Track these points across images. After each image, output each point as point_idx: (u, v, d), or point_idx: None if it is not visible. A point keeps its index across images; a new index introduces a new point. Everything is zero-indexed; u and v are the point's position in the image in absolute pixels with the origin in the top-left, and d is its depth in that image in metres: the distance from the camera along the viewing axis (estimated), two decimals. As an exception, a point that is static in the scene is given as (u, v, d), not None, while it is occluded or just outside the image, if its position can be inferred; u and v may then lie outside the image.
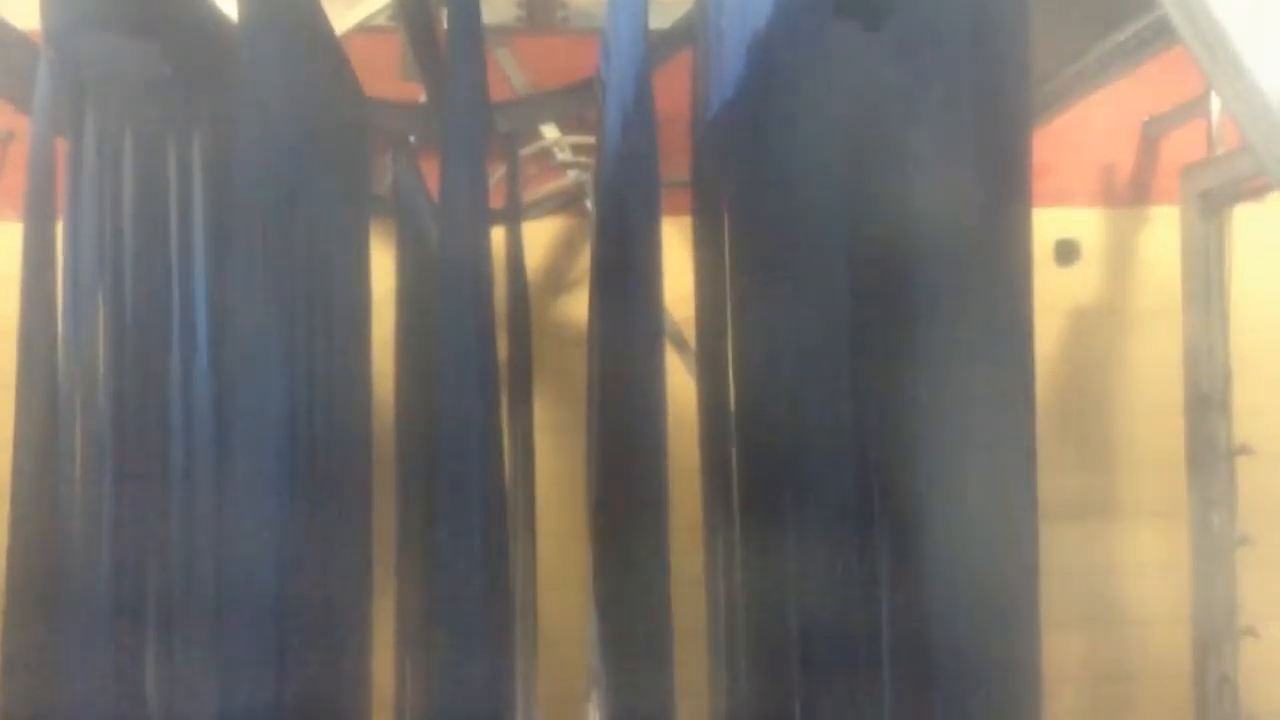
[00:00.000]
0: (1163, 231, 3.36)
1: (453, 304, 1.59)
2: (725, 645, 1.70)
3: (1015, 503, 1.41)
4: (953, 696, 1.37)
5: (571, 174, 3.41)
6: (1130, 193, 3.51)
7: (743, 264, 1.69)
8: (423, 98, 2.89)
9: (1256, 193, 3.00)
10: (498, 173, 2.85)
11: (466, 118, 1.63)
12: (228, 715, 1.64)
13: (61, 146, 1.82)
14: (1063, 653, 3.21)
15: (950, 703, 1.37)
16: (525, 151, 3.17)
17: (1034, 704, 1.40)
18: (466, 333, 1.59)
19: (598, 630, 1.83)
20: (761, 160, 1.58)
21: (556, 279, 3.47)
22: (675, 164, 2.00)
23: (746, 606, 1.63)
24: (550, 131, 3.30)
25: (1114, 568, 3.33)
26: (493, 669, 1.62)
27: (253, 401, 1.65)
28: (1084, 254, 3.48)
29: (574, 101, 2.85)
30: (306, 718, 1.81)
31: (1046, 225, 3.42)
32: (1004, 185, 1.42)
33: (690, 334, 1.99)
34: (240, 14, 1.64)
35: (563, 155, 3.36)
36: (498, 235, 2.17)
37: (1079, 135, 3.34)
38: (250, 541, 1.65)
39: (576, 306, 3.35)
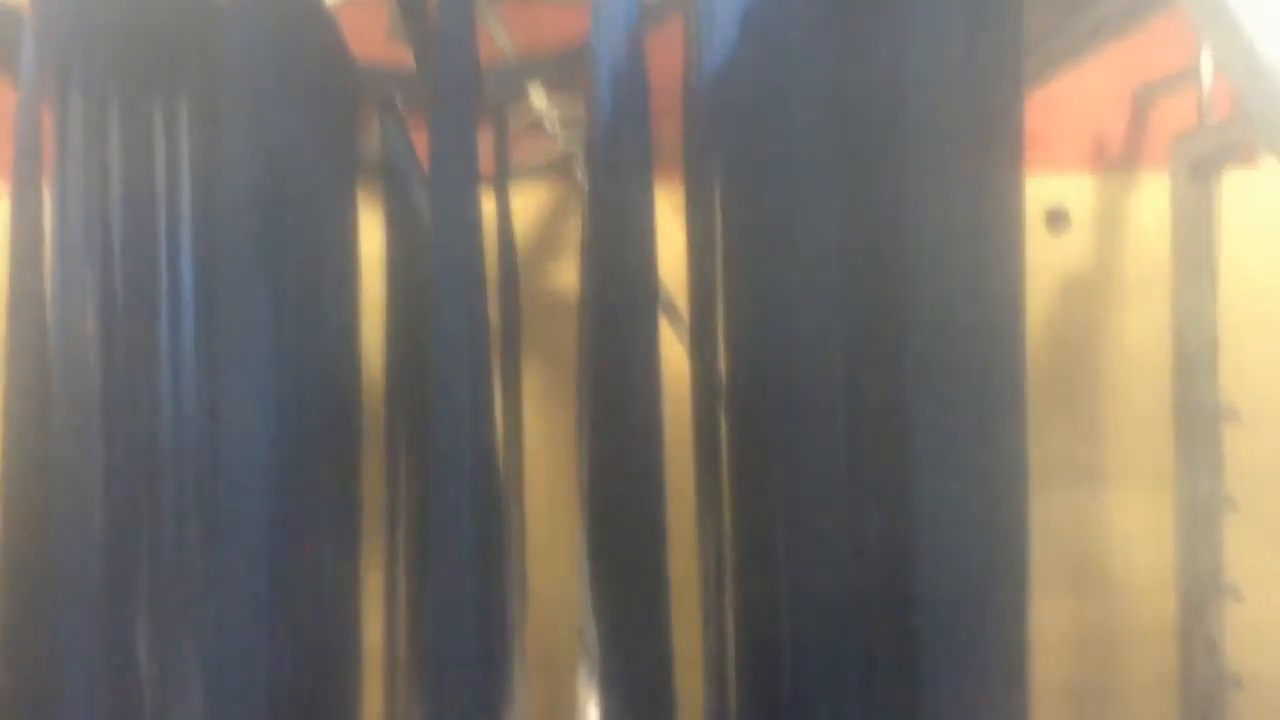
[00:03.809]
0: (1153, 198, 3.35)
1: (443, 269, 1.59)
2: (717, 610, 1.71)
3: (1005, 468, 1.42)
4: (942, 659, 1.38)
5: (561, 141, 3.38)
6: (1121, 160, 3.50)
7: (734, 232, 1.68)
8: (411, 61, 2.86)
9: (1247, 159, 3.00)
10: (486, 138, 2.82)
11: (455, 83, 1.62)
12: (220, 681, 1.65)
13: (47, 114, 1.81)
14: (1050, 617, 3.22)
15: (939, 665, 1.38)
16: (515, 121, 3.14)
17: (1020, 667, 1.42)
18: (457, 298, 1.59)
19: (592, 599, 1.83)
20: (753, 128, 1.57)
21: (546, 247, 3.45)
22: (666, 132, 1.99)
23: (739, 571, 1.64)
24: (539, 99, 3.26)
25: (1101, 533, 3.34)
26: (486, 635, 1.63)
27: (240, 366, 1.65)
28: (1074, 221, 3.47)
29: (564, 68, 2.82)
30: (298, 685, 1.82)
31: (1037, 192, 3.41)
32: (995, 151, 1.42)
33: (682, 303, 1.99)
34: (227, -22, 1.62)
35: (551, 127, 3.33)
36: (486, 202, 2.15)
37: (1070, 102, 3.33)
38: (239, 507, 1.65)
39: (566, 274, 3.34)
